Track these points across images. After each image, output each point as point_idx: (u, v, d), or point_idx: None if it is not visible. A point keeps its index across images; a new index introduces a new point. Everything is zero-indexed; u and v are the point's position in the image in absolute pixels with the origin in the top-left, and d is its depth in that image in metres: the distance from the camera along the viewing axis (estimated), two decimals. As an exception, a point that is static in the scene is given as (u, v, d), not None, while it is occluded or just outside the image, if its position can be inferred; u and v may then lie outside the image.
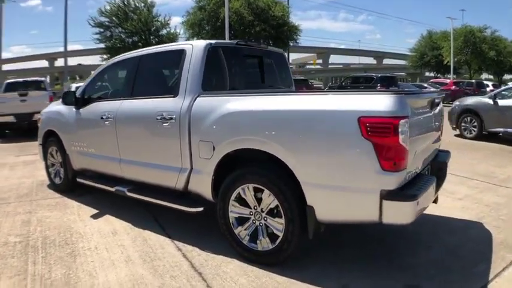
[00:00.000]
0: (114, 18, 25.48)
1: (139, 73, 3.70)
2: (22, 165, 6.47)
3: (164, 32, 27.27)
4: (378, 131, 2.20)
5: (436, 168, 3.11)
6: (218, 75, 3.38)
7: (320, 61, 70.08)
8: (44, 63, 65.09)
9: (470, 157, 6.80)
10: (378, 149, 2.21)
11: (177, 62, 3.30)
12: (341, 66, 73.62)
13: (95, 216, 3.85)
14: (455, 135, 9.26)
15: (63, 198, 4.43)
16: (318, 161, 2.43)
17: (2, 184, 5.13)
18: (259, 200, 2.72)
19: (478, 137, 8.77)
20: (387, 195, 2.22)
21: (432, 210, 3.69)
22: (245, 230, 2.82)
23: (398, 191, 2.26)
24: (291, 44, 27.00)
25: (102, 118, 3.80)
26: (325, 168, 2.41)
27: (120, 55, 4.19)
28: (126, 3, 25.85)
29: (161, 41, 26.38)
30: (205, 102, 3.02)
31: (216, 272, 2.70)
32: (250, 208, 2.78)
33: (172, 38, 26.96)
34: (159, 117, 3.22)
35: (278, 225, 2.64)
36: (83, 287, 2.53)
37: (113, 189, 3.74)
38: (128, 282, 2.59)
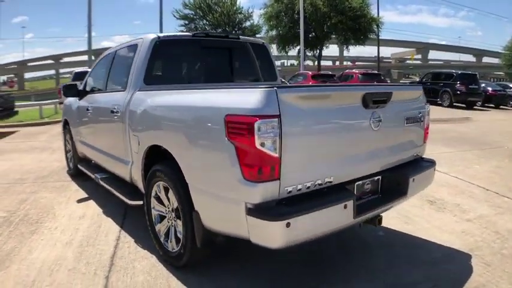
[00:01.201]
0: (198, 10, 26.77)
1: (112, 67, 3.92)
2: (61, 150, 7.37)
3: (247, 24, 27.89)
4: (237, 132, 1.94)
5: (390, 182, 2.59)
6: (166, 69, 3.40)
7: (419, 56, 65.86)
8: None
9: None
10: (238, 153, 1.94)
11: (132, 57, 3.41)
12: (441, 62, 68.27)
13: (80, 201, 4.24)
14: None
15: (70, 182, 4.97)
16: (195, 163, 2.30)
17: (32, 166, 5.96)
18: (169, 200, 2.68)
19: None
20: (250, 211, 1.93)
21: (421, 231, 3.26)
22: (163, 228, 2.81)
23: (265, 206, 1.91)
24: (370, 37, 25.29)
25: (87, 110, 4.15)
26: (202, 172, 2.27)
27: (107, 49, 4.47)
28: (209, -5, 26.74)
29: (244, 33, 27.11)
30: (139, 96, 3.07)
31: (127, 266, 2.76)
32: (165, 207, 2.75)
33: (255, 30, 27.50)
34: (111, 111, 3.39)
35: (180, 228, 2.57)
36: (16, 260, 2.85)
37: (93, 176, 4.06)
38: (50, 261, 2.82)
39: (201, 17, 27.01)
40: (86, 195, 4.42)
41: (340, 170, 2.23)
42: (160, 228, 2.83)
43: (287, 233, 1.86)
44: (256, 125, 1.85)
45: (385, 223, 3.45)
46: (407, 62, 67.59)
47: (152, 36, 3.30)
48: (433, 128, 9.61)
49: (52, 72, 76.14)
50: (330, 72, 17.68)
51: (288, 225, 1.86)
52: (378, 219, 2.55)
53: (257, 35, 27.97)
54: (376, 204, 2.44)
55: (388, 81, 21.36)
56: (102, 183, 3.81)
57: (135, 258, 2.88)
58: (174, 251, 2.66)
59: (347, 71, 17.32)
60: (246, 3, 52.96)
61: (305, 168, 2.04)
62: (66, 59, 72.89)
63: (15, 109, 11.36)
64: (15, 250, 3.00)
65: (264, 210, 1.90)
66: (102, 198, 4.25)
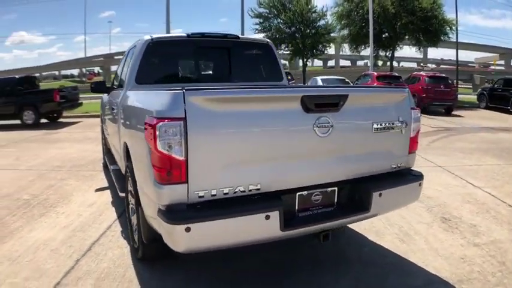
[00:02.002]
0: (272, 9, 27.10)
1: (124, 66, 4.20)
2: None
3: (321, 23, 27.53)
4: (148, 134, 1.95)
5: (350, 195, 2.38)
6: (159, 70, 3.53)
7: (502, 62, 60.38)
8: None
9: None
10: (150, 155, 1.96)
11: (131, 57, 3.63)
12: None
13: (98, 190, 4.63)
14: None
15: (100, 172, 5.44)
16: (136, 161, 2.38)
17: (75, 155, 6.64)
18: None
19: None
20: (159, 212, 1.93)
21: (413, 253, 2.94)
22: (135, 221, 2.95)
23: (176, 209, 1.89)
24: (443, 39, 23.20)
25: (106, 105, 4.52)
26: (139, 170, 2.35)
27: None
28: (284, -6, 26.71)
29: (317, 32, 26.89)
30: (127, 95, 3.25)
31: (100, 252, 2.96)
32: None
33: (329, 30, 27.10)
34: (112, 108, 3.66)
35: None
36: (15, 237, 3.24)
37: (109, 167, 4.40)
38: (41, 241, 3.15)
39: (275, 16, 27.26)
40: (106, 185, 4.79)
41: (271, 177, 2.06)
42: (134, 221, 2.97)
43: (187, 238, 1.82)
44: (157, 128, 1.83)
45: (379, 239, 3.21)
46: (491, 67, 61.80)
47: (147, 37, 3.47)
48: (487, 137, 8.75)
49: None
50: (397, 74, 16.62)
51: (187, 229, 1.81)
52: (323, 234, 2.27)
53: (331, 35, 27.49)
54: (324, 218, 2.22)
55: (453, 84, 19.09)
56: (112, 174, 4.11)
57: (111, 246, 3.06)
58: (136, 243, 2.78)
59: (415, 73, 16.13)
60: (321, 2, 51.99)
61: (220, 173, 1.93)
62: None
63: (80, 101, 12.58)
64: (19, 229, 3.40)
65: (169, 213, 1.88)
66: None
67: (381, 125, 2.37)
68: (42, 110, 10.96)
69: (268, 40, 4.23)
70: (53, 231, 3.36)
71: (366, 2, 22.06)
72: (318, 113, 2.11)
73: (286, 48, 28.40)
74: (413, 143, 2.61)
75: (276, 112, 2.05)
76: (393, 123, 2.43)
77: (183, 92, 1.84)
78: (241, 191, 1.98)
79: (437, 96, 13.56)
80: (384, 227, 3.47)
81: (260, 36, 28.09)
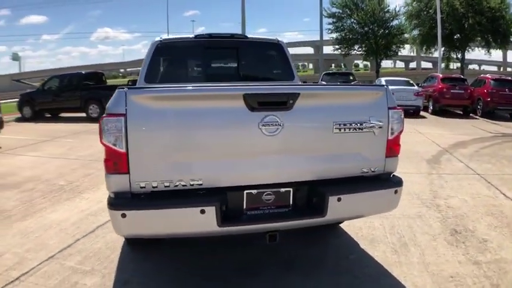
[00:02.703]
0: (345, 8, 26.74)
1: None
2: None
3: (394, 23, 26.59)
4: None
5: (307, 198, 2.30)
6: (166, 69, 3.76)
7: None
8: (309, 50, 72.44)
9: None
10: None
11: None
12: None
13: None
14: None
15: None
16: None
17: None
18: None
19: None
20: (108, 198, 2.08)
21: (399, 266, 2.77)
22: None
23: (121, 197, 2.02)
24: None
25: None
26: None
27: None
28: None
29: (390, 33, 26.08)
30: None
31: (99, 234, 3.28)
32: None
33: (402, 30, 26.12)
34: None
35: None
36: (35, 216, 3.72)
37: None
38: (56, 222, 3.55)
39: (348, 16, 26.89)
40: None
41: (214, 174, 2.10)
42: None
43: (124, 224, 1.98)
44: (102, 122, 1.99)
45: (371, 248, 3.07)
46: None
47: (157, 39, 3.71)
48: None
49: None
50: (462, 76, 15.38)
51: (123, 216, 1.96)
52: (269, 235, 2.20)
53: (404, 35, 26.42)
54: (274, 218, 2.19)
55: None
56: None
57: (112, 231, 3.32)
58: None
59: (481, 75, 14.71)
60: (395, 2, 49.78)
61: (161, 166, 2.03)
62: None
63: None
64: (42, 209, 3.87)
65: (111, 199, 2.05)
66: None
67: (344, 125, 2.23)
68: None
69: (278, 39, 4.09)
70: (70, 213, 3.77)
71: (434, 1, 20.69)
72: (263, 111, 2.08)
73: (360, 49, 27.81)
74: (392, 146, 2.39)
75: (220, 110, 2.08)
76: (362, 124, 2.26)
77: (125, 91, 1.99)
78: (183, 185, 2.05)
79: (502, 100, 12.30)
80: (384, 235, 3.29)
81: (333, 36, 27.74)
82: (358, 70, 66.91)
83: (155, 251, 2.92)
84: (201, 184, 2.08)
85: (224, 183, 2.13)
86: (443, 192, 4.43)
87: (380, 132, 2.33)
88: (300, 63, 76.68)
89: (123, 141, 1.97)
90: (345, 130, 2.25)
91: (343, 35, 27.06)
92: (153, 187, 2.03)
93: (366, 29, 26.18)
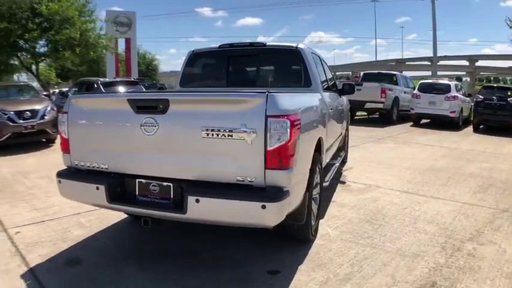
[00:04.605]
0: None
1: None
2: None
3: None
4: None
5: (179, 195, 2.53)
6: (196, 75, 4.49)
7: None
8: (463, 62, 65.38)
9: None
10: None
11: None
12: None
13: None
14: None
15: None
16: None
17: None
18: None
19: None
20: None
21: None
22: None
23: (66, 169, 2.98)
24: None
25: None
26: None
27: None
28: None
29: None
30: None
31: (106, 212, 3.82)
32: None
33: None
34: None
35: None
36: (43, 202, 4.40)
37: None
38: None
39: None
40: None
41: (114, 162, 2.75)
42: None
43: (60, 188, 2.91)
44: (58, 118, 3.06)
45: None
46: None
47: (192, 49, 4.44)
48: None
49: (428, 73, 59.21)
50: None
51: (59, 182, 2.90)
52: (144, 219, 2.68)
53: None
54: (151, 207, 2.60)
55: None
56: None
57: (118, 214, 3.84)
58: None
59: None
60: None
61: (85, 151, 2.83)
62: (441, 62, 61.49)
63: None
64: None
65: (59, 170, 2.96)
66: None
67: (212, 130, 2.36)
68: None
69: (297, 45, 4.02)
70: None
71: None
72: (144, 114, 2.55)
73: None
74: (276, 157, 2.30)
75: (120, 111, 2.66)
76: (231, 131, 2.31)
77: (71, 96, 3.01)
78: (96, 167, 2.79)
79: None
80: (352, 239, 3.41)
81: None
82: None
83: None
84: (107, 168, 2.75)
85: (121, 170, 2.72)
86: None
87: (256, 141, 2.29)
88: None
89: (66, 131, 2.88)
90: (213, 135, 2.36)
91: None
92: (81, 165, 2.87)
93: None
